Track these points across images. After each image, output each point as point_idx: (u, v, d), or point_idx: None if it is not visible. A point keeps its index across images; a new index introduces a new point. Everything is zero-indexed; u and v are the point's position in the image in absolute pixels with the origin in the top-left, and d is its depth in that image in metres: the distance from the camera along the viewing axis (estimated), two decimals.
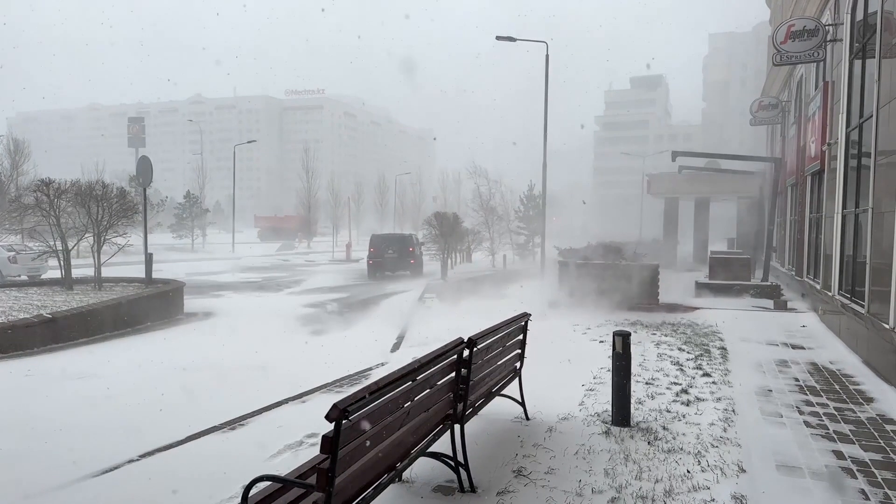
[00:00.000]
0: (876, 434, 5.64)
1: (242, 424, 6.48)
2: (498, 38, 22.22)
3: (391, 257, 25.53)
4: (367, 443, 3.26)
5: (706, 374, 7.88)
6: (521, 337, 6.09)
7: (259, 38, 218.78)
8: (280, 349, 10.74)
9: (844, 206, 10.66)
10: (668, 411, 6.31)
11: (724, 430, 5.71)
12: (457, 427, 4.54)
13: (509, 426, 5.86)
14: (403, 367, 3.67)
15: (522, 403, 6.14)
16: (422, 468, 4.69)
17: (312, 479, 3.09)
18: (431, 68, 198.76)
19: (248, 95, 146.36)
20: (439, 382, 4.21)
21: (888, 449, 5.25)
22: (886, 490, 4.42)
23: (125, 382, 8.38)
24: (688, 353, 9.27)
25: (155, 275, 16.37)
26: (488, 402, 5.39)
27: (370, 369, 9.10)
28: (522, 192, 36.93)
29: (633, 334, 6.07)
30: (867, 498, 4.29)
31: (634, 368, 7.57)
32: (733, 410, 6.33)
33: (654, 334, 10.84)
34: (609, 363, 6.45)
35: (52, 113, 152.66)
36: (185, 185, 70.34)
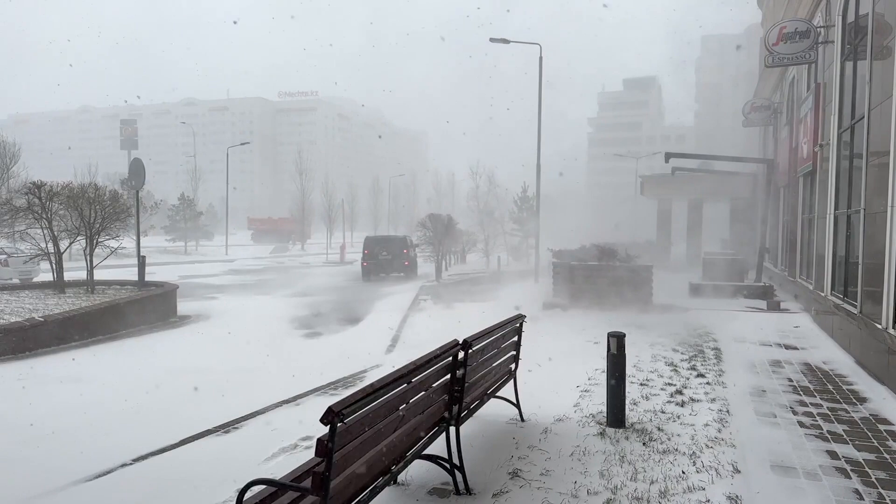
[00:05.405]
0: (869, 434, 5.67)
1: (236, 427, 6.46)
2: (492, 39, 22.28)
3: (385, 259, 25.49)
4: (363, 446, 3.24)
5: (700, 375, 7.90)
6: (515, 339, 6.09)
7: (254, 39, 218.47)
8: (274, 352, 10.70)
9: (837, 207, 10.72)
10: (663, 412, 6.32)
11: (719, 430, 5.73)
12: (452, 429, 4.53)
13: (504, 428, 5.85)
14: (398, 370, 3.66)
15: (517, 405, 6.14)
16: (417, 471, 4.67)
17: (307, 483, 3.07)
18: (426, 69, 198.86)
19: (241, 98, 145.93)
20: (434, 385, 4.19)
21: (882, 449, 5.27)
22: (880, 490, 4.43)
23: (118, 386, 8.34)
24: (682, 353, 9.29)
25: (148, 278, 16.30)
26: (483, 403, 5.38)
27: (365, 371, 9.09)
28: (516, 194, 37.03)
29: (627, 335, 6.07)
30: (861, 498, 4.31)
31: (629, 369, 7.58)
32: (728, 411, 6.34)
33: (649, 335, 10.85)
34: (603, 364, 6.45)
35: (43, 115, 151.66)
36: (178, 188, 69.99)
